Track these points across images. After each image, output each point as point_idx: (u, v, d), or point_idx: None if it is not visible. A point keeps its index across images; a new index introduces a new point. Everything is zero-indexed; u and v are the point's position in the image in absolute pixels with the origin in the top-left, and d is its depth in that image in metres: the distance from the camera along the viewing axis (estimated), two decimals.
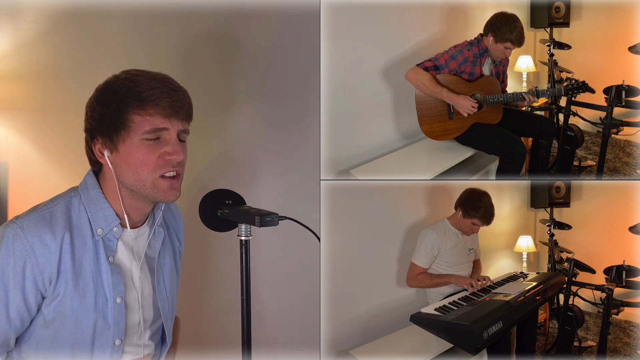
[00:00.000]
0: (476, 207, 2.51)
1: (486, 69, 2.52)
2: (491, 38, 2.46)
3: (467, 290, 2.49)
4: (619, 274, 2.54)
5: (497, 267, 2.89)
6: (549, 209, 2.81)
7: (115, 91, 1.38)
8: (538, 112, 2.71)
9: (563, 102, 2.62)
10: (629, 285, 2.55)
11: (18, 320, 1.37)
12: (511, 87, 2.70)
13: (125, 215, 1.44)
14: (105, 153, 1.41)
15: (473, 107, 2.43)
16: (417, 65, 2.46)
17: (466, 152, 2.55)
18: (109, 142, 1.39)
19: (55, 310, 1.38)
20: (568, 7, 2.63)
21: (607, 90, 2.51)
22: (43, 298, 1.38)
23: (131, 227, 1.47)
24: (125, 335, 1.46)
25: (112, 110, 1.37)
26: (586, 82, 2.50)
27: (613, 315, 2.55)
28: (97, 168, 1.47)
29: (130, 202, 1.45)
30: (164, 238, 1.57)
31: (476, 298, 2.42)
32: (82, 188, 1.46)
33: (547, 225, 2.81)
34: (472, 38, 2.50)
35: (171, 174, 1.41)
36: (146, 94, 1.35)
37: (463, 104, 2.44)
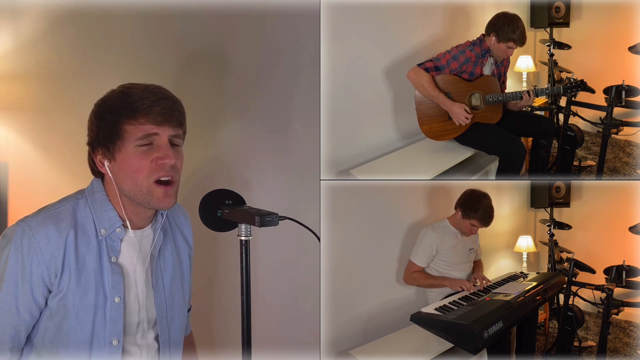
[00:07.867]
0: (475, 209, 2.52)
1: (487, 69, 2.52)
2: (494, 38, 2.46)
3: (466, 289, 2.49)
4: (619, 274, 2.54)
5: (497, 267, 2.89)
6: (549, 209, 2.81)
7: (110, 104, 1.47)
8: (538, 112, 2.71)
9: (563, 102, 2.62)
10: (629, 285, 2.55)
11: (27, 313, 1.44)
12: (511, 87, 2.70)
13: (127, 219, 1.51)
14: (105, 163, 1.48)
15: (467, 117, 2.44)
16: (419, 65, 2.46)
17: (466, 152, 2.55)
18: (107, 152, 1.47)
19: (59, 303, 1.44)
20: (568, 7, 2.63)
21: (607, 90, 2.51)
22: (50, 292, 1.45)
23: (135, 229, 1.53)
24: (126, 334, 1.50)
25: (108, 122, 1.45)
26: (585, 81, 2.50)
27: (613, 315, 2.55)
28: (100, 177, 1.54)
29: (131, 208, 1.51)
30: (167, 240, 1.63)
31: (476, 298, 2.42)
32: (89, 191, 1.53)
33: (547, 225, 2.81)
34: (475, 38, 2.50)
35: (165, 178, 1.46)
36: (137, 104, 1.43)
37: (457, 113, 2.44)
